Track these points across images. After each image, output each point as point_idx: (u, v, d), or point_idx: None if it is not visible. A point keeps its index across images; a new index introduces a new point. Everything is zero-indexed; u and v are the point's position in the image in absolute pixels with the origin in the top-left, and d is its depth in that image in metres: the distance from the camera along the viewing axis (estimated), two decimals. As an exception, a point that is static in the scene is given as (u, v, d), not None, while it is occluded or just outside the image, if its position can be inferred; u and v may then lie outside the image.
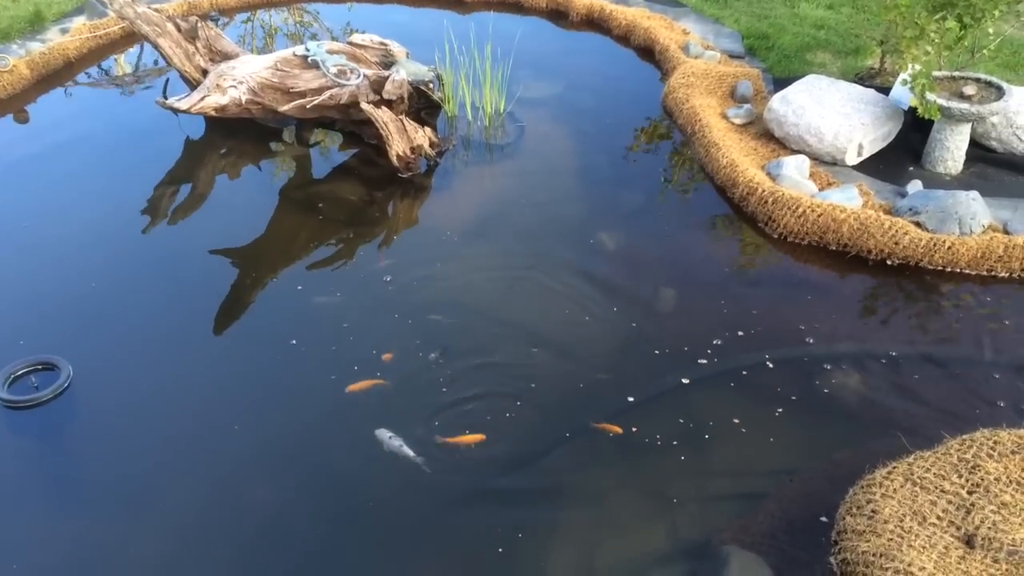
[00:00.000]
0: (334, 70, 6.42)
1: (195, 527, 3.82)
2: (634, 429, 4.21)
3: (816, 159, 6.21)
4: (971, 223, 5.31)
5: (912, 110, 6.01)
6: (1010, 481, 3.62)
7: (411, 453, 4.11)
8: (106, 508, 3.92)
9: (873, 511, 3.54)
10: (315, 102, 6.36)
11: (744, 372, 4.55)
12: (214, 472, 4.07)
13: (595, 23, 9.20)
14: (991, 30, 6.29)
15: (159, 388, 4.55)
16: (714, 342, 4.75)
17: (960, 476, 3.65)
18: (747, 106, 6.88)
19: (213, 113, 6.35)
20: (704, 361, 4.62)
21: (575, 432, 4.23)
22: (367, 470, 4.08)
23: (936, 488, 3.62)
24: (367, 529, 3.81)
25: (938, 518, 3.51)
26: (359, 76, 6.47)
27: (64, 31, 8.75)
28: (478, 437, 4.19)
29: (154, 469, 4.09)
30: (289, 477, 4.05)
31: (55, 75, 8.21)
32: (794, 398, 4.39)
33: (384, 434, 4.20)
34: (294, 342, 4.81)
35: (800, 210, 5.53)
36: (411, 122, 6.52)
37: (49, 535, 3.80)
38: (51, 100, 7.85)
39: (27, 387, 4.48)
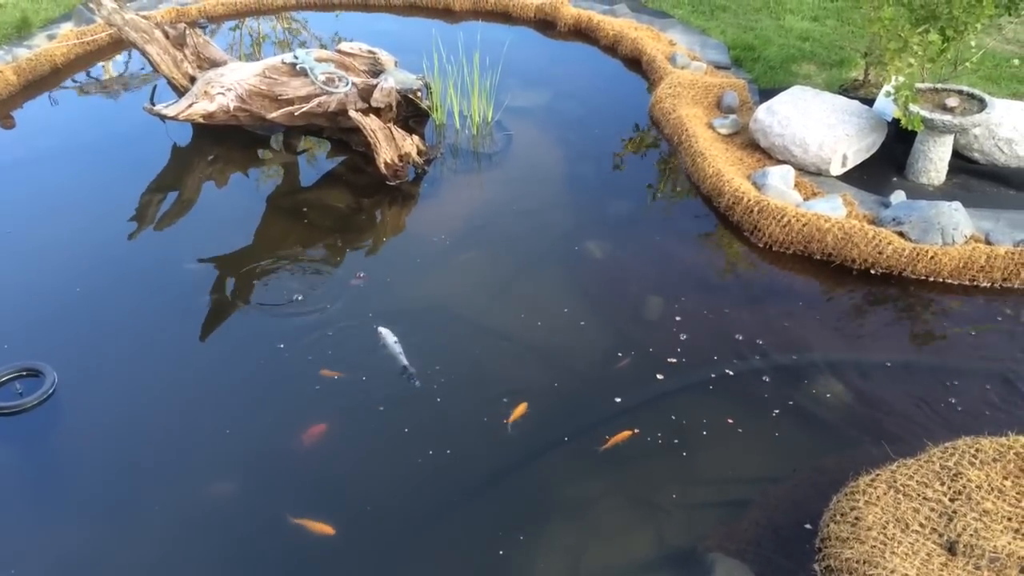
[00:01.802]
0: (322, 78, 6.43)
1: (181, 534, 3.81)
2: (636, 431, 4.24)
3: (801, 169, 6.26)
4: (953, 233, 5.37)
5: (896, 122, 6.07)
6: (991, 488, 3.66)
7: (404, 361, 4.59)
8: (92, 515, 3.90)
9: (857, 518, 3.57)
10: (303, 109, 6.37)
11: (729, 380, 4.58)
12: (201, 478, 4.06)
13: (583, 33, 9.26)
14: (973, 43, 6.38)
15: (145, 394, 4.54)
16: (700, 350, 4.78)
17: (942, 483, 3.68)
18: (733, 116, 6.94)
19: (201, 120, 6.35)
20: (690, 369, 4.65)
21: (562, 439, 4.25)
22: (359, 477, 4.08)
23: (919, 495, 3.65)
24: (358, 536, 3.80)
25: (921, 525, 3.54)
26: (347, 84, 6.49)
27: (51, 37, 8.74)
28: (522, 408, 4.38)
29: (140, 475, 4.07)
30: (279, 484, 4.04)
31: (42, 81, 8.20)
32: (779, 406, 4.42)
33: (389, 335, 4.65)
34: (281, 346, 4.81)
35: (785, 220, 5.58)
36: (399, 130, 6.54)
37: (35, 542, 3.78)
38: (38, 106, 7.83)
39: (11, 393, 4.45)
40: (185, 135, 7.13)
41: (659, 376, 4.60)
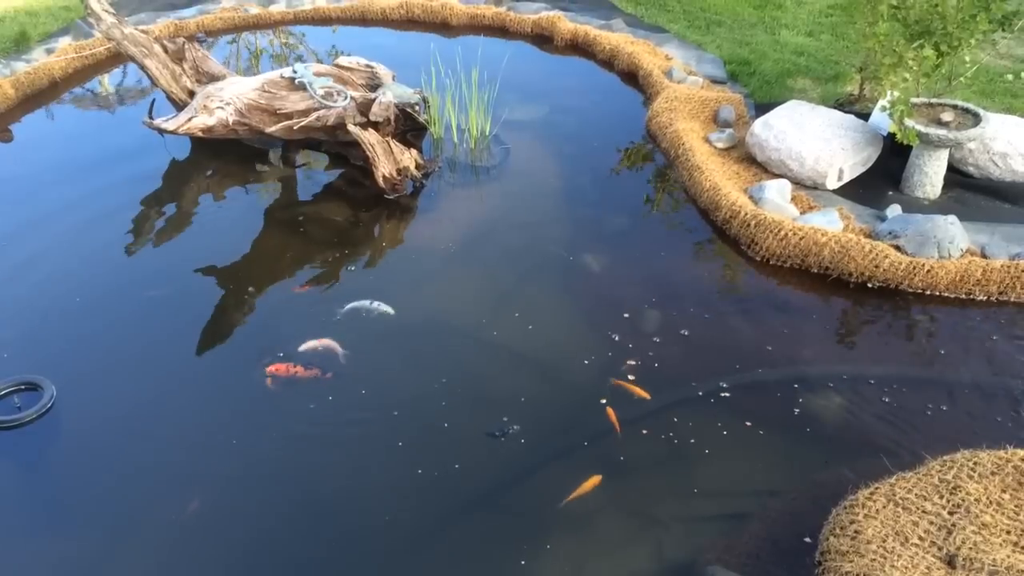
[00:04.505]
0: (321, 92, 6.45)
1: (180, 547, 3.80)
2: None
3: (797, 183, 6.29)
4: (949, 247, 5.40)
5: (891, 136, 6.11)
6: (990, 502, 3.67)
7: (385, 308, 5.03)
8: (89, 529, 3.89)
9: (856, 531, 3.57)
10: (302, 123, 6.39)
11: (727, 393, 4.59)
12: (200, 492, 4.05)
13: (579, 48, 9.31)
14: (967, 58, 6.43)
15: (143, 408, 4.53)
16: (698, 363, 4.79)
17: (941, 497, 3.69)
18: (729, 130, 6.97)
19: (200, 134, 6.36)
20: (688, 382, 4.65)
21: (560, 453, 4.25)
22: (358, 492, 4.08)
23: (918, 509, 3.66)
24: (354, 551, 3.80)
25: (920, 538, 3.55)
26: (346, 98, 6.51)
27: (49, 51, 8.76)
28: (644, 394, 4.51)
29: (138, 490, 4.06)
30: (277, 497, 4.03)
31: (40, 95, 8.22)
32: (777, 419, 4.43)
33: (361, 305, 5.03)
34: (281, 355, 4.81)
35: (782, 233, 5.60)
36: (397, 144, 6.56)
37: (33, 556, 3.77)
38: (36, 119, 7.84)
39: (10, 407, 4.45)
40: (183, 149, 7.15)
41: (654, 388, 4.60)
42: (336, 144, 6.88)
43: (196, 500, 4.01)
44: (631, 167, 7.10)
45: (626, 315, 5.19)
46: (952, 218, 5.53)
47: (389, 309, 4.94)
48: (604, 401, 4.50)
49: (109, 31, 6.67)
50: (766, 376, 4.70)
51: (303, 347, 4.83)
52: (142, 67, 6.84)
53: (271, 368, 4.70)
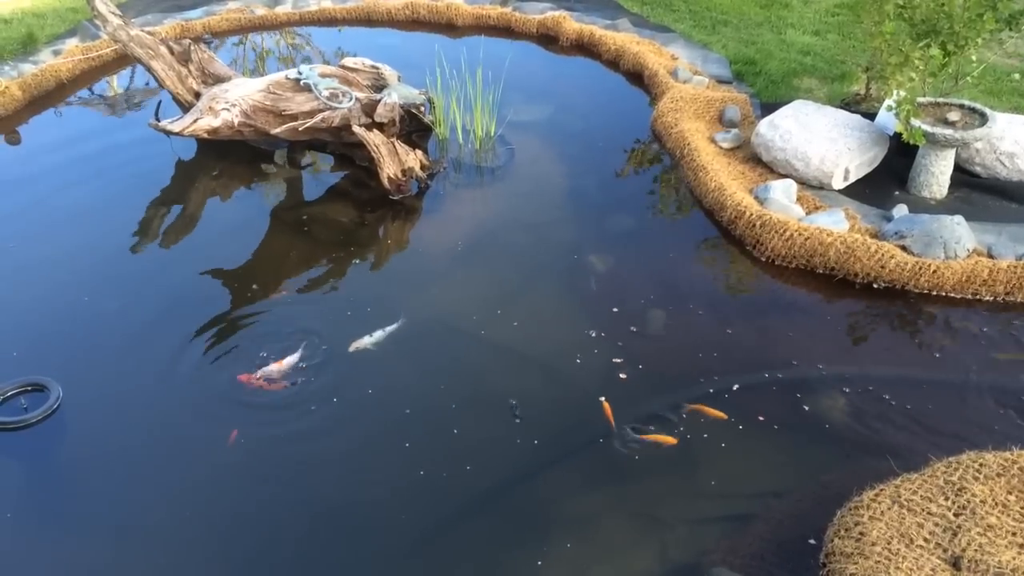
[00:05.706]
0: (326, 93, 6.46)
1: (185, 551, 3.81)
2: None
3: (803, 183, 6.28)
4: (956, 247, 5.37)
5: (897, 135, 6.09)
6: (996, 503, 3.65)
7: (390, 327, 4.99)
8: (95, 531, 3.91)
9: (861, 533, 3.56)
10: (307, 124, 6.40)
11: (732, 394, 4.58)
12: (205, 495, 4.06)
13: (585, 48, 9.29)
14: (974, 57, 6.40)
15: (149, 410, 4.54)
16: (702, 364, 4.78)
17: (947, 498, 3.68)
18: (735, 131, 6.96)
19: (206, 135, 6.38)
20: (692, 383, 4.65)
21: (564, 455, 4.25)
22: (357, 495, 4.08)
23: (923, 510, 3.64)
24: (356, 555, 3.80)
25: (925, 540, 3.54)
26: (351, 99, 6.52)
27: (57, 53, 8.79)
28: (721, 415, 4.43)
29: (144, 491, 4.08)
30: (282, 498, 4.04)
31: (47, 96, 8.25)
32: (782, 420, 4.42)
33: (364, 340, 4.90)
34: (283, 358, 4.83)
35: (787, 234, 5.59)
36: (402, 145, 6.57)
37: (38, 558, 3.79)
38: (43, 121, 7.87)
39: (16, 408, 4.47)
40: (189, 150, 7.17)
41: (659, 389, 4.60)
42: (341, 145, 6.89)
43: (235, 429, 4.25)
44: (636, 167, 7.09)
45: (630, 316, 5.18)
46: (959, 218, 5.51)
47: (378, 337, 4.97)
48: (602, 399, 4.50)
49: (115, 33, 6.69)
50: (771, 376, 4.69)
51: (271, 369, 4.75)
52: (148, 69, 6.86)
53: (243, 378, 4.67)
